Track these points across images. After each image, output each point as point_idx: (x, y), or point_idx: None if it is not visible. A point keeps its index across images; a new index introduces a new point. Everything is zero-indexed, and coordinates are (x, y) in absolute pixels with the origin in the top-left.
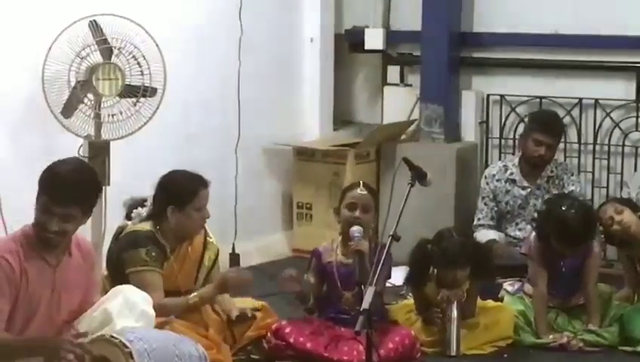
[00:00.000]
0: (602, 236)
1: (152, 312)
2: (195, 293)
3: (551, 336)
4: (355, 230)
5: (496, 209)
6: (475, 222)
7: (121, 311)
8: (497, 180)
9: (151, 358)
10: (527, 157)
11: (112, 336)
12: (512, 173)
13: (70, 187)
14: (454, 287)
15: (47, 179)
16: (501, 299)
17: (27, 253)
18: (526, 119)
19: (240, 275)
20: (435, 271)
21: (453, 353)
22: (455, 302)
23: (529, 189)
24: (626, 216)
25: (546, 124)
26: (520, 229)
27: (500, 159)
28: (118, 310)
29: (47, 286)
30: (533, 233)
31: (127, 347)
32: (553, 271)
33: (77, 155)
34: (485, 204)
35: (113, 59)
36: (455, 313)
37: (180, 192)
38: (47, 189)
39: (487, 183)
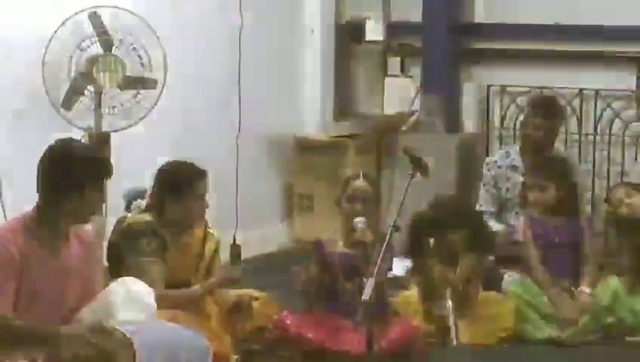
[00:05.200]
0: (611, 218)
1: (154, 304)
2: (196, 286)
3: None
4: (358, 221)
5: (497, 196)
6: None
7: (122, 302)
8: (498, 166)
9: (152, 349)
10: (527, 140)
11: (114, 328)
12: (513, 160)
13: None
14: (451, 255)
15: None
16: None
17: (27, 240)
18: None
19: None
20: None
21: (454, 343)
22: (448, 293)
23: None
24: (635, 200)
25: (545, 107)
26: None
27: (500, 150)
28: (119, 301)
29: (48, 272)
30: (522, 217)
31: (128, 338)
32: (546, 242)
33: None
34: (487, 190)
35: (113, 50)
36: (450, 303)
37: (177, 183)
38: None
39: (489, 170)
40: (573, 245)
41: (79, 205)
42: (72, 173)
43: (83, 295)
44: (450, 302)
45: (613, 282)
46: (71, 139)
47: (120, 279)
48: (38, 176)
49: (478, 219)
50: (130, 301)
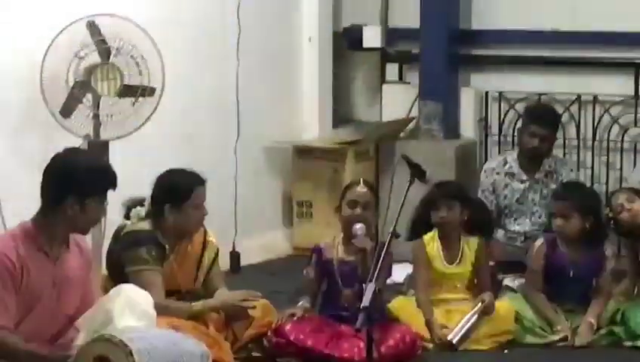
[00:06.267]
0: (612, 223)
1: (153, 311)
2: (199, 302)
3: (559, 327)
4: (358, 228)
5: (495, 202)
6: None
7: (122, 310)
8: (497, 173)
9: (152, 357)
10: (524, 149)
11: (113, 336)
12: (510, 167)
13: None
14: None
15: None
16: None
17: (27, 248)
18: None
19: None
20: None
21: (455, 340)
22: (480, 306)
23: (527, 183)
24: (636, 206)
25: (539, 115)
26: (519, 224)
27: (498, 156)
28: (119, 309)
29: (47, 280)
30: (538, 241)
31: (127, 346)
32: (560, 277)
33: None
34: (485, 197)
35: (111, 59)
36: (475, 316)
37: (177, 190)
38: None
39: (487, 176)
40: (587, 280)
41: (81, 216)
42: (76, 184)
43: (82, 302)
44: (475, 316)
45: (612, 306)
46: (77, 149)
47: (119, 287)
48: (42, 184)
49: (478, 202)
50: (129, 308)
